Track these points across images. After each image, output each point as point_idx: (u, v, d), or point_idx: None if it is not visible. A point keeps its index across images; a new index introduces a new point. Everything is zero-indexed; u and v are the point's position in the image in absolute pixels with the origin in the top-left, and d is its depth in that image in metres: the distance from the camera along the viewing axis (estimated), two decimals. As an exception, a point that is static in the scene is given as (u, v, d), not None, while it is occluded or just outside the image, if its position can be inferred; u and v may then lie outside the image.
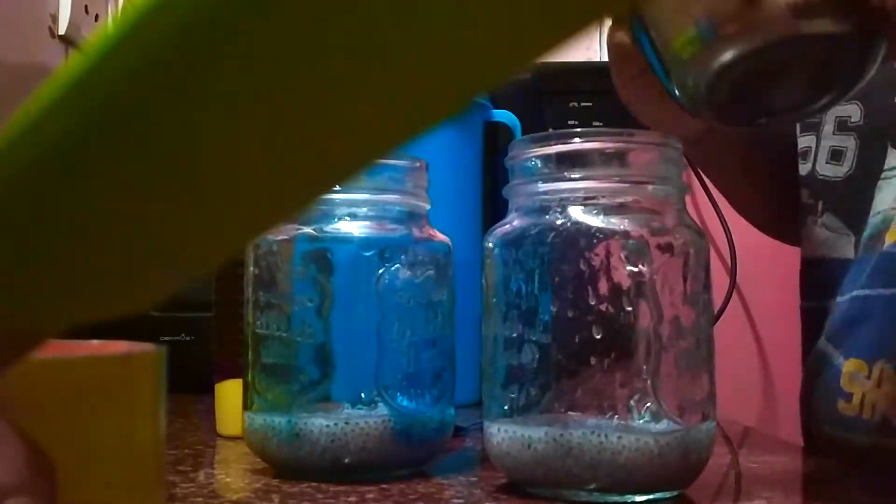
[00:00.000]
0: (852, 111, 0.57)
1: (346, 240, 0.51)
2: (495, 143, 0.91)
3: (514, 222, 0.47)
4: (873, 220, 0.56)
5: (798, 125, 0.60)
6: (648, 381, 0.43)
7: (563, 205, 0.46)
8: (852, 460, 0.53)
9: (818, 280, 0.61)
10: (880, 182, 0.55)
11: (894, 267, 0.53)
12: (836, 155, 0.57)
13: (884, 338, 0.53)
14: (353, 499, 0.44)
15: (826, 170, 0.58)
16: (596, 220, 0.45)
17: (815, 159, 0.59)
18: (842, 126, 0.57)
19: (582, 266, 0.44)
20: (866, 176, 0.56)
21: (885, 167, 0.55)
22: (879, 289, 0.53)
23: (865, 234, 0.56)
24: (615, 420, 0.43)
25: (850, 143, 0.57)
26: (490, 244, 0.48)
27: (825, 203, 0.60)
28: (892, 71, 0.51)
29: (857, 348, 0.55)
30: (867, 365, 0.53)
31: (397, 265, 0.50)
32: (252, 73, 0.14)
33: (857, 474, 0.51)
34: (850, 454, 0.53)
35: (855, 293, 0.56)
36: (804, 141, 0.61)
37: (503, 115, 0.90)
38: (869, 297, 0.54)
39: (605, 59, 0.55)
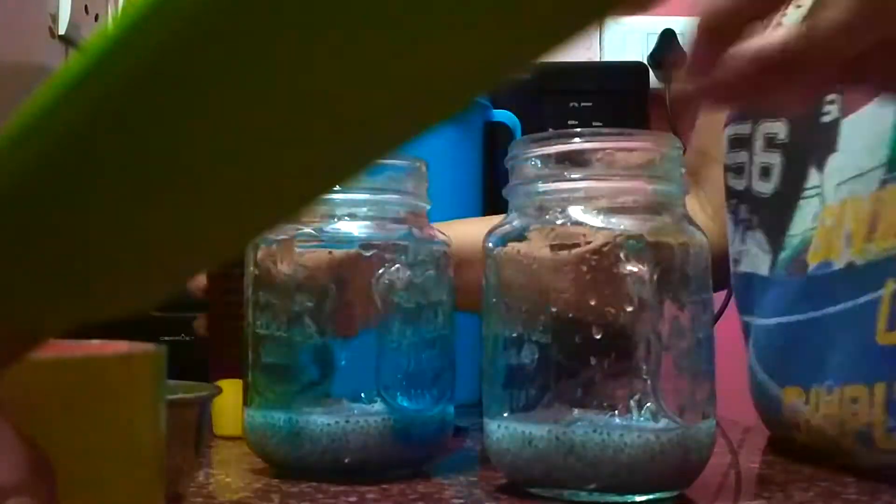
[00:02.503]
0: (779, 128, 0.57)
1: (346, 240, 0.51)
2: (495, 143, 0.91)
3: (513, 222, 0.47)
4: (792, 240, 0.55)
5: (728, 141, 0.60)
6: (648, 381, 0.43)
7: (563, 205, 0.46)
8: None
9: (747, 296, 0.61)
10: (801, 201, 0.55)
11: (820, 288, 0.52)
12: (765, 171, 0.57)
13: (814, 361, 0.52)
14: (353, 499, 0.44)
15: (759, 186, 0.58)
16: (596, 220, 0.45)
17: (749, 175, 0.59)
18: (769, 142, 0.57)
19: (582, 266, 0.44)
20: (790, 194, 0.56)
21: (806, 186, 0.55)
22: (810, 312, 0.53)
23: (783, 254, 0.56)
24: (616, 419, 0.43)
25: (776, 160, 0.57)
26: (490, 244, 0.48)
27: (760, 219, 0.59)
28: None
29: (792, 376, 0.54)
30: (804, 391, 0.53)
31: (397, 265, 0.50)
32: (252, 73, 0.14)
33: (856, 474, 0.50)
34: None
35: (782, 320, 0.55)
36: (738, 157, 0.60)
37: (503, 115, 0.90)
38: (799, 322, 0.54)
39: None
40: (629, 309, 0.43)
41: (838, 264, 0.51)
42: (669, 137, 0.48)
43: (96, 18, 0.98)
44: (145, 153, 0.15)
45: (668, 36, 1.22)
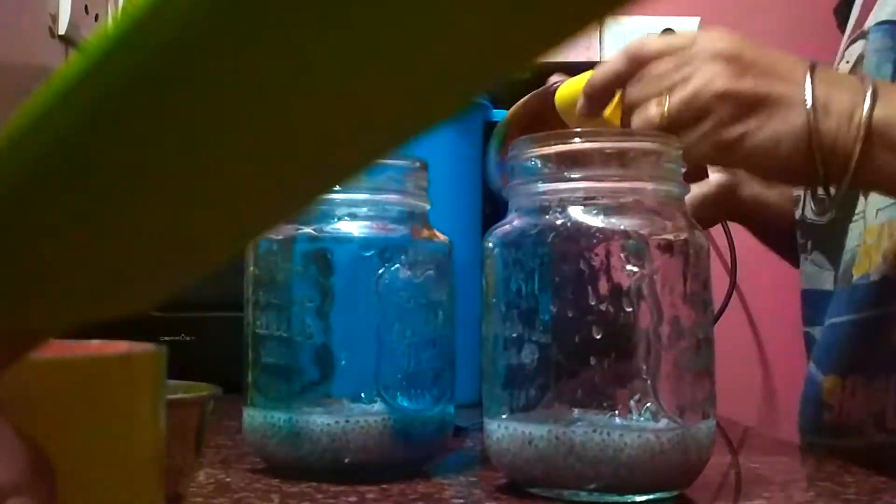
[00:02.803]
0: None
1: (346, 240, 0.51)
2: (495, 143, 0.91)
3: (514, 222, 0.47)
4: (845, 257, 0.65)
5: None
6: (648, 381, 0.43)
7: (563, 205, 0.46)
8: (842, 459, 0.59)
9: (809, 308, 0.71)
10: (851, 224, 0.65)
11: (860, 295, 0.62)
12: (820, 202, 0.64)
13: (852, 355, 0.62)
14: (353, 499, 0.44)
15: (812, 214, 0.68)
16: (596, 220, 0.45)
17: (803, 205, 0.68)
18: None
19: (582, 266, 0.44)
20: (842, 220, 0.65)
21: (856, 210, 0.64)
22: (851, 315, 0.63)
23: (840, 269, 0.66)
24: (616, 419, 0.43)
25: (832, 190, 0.63)
26: (490, 244, 0.48)
27: (813, 243, 0.70)
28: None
29: (833, 367, 0.64)
30: (841, 380, 0.63)
31: (397, 265, 0.50)
32: (252, 73, 0.14)
33: (856, 474, 0.51)
34: (839, 455, 0.60)
35: (830, 321, 0.65)
36: (796, 189, 0.72)
37: (503, 115, 0.90)
38: (842, 323, 0.64)
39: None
40: (629, 309, 0.43)
41: (875, 276, 0.60)
42: (669, 137, 0.48)
43: (96, 18, 0.98)
44: (145, 153, 0.15)
45: (667, 36, 1.22)
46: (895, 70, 0.61)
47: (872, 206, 0.63)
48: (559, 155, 0.47)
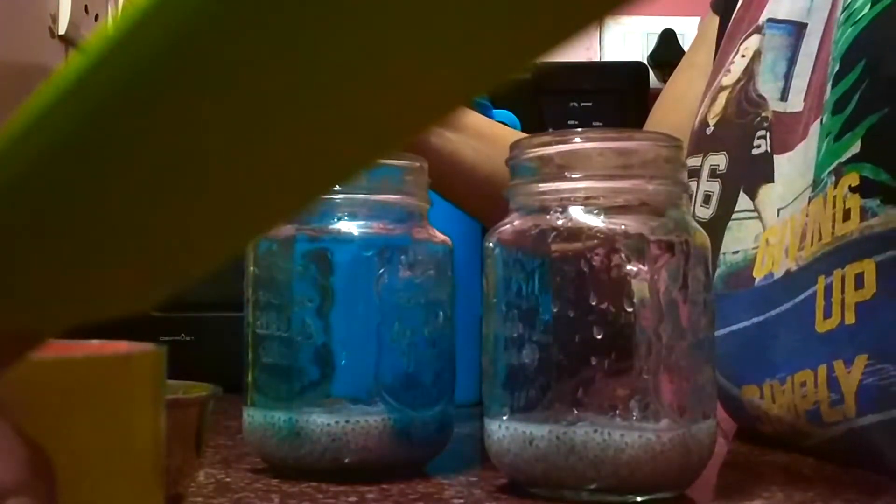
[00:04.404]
0: (720, 160, 0.65)
1: (346, 240, 0.51)
2: (495, 143, 0.91)
3: (514, 222, 0.47)
4: (729, 257, 0.63)
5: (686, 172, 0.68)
6: (649, 381, 0.43)
7: (563, 205, 0.46)
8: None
9: None
10: (731, 223, 0.63)
11: (764, 297, 0.59)
12: (706, 199, 0.65)
13: (764, 359, 0.58)
14: (353, 499, 0.44)
15: (700, 212, 0.66)
16: (596, 220, 0.45)
17: (693, 202, 0.66)
18: (712, 173, 0.65)
19: (582, 266, 0.44)
20: (722, 217, 0.64)
21: (736, 209, 0.63)
22: (755, 318, 0.59)
23: (719, 270, 0.63)
24: (616, 419, 0.43)
25: (716, 188, 0.65)
26: (490, 244, 0.48)
27: None
28: (752, 127, 0.62)
29: (746, 376, 0.60)
30: (758, 387, 0.59)
31: (397, 265, 0.50)
32: (252, 73, 0.14)
33: (856, 474, 0.51)
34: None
35: (732, 328, 0.61)
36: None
37: (503, 115, 0.90)
38: (747, 328, 0.60)
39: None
40: (629, 309, 0.43)
41: (778, 274, 0.58)
42: (669, 137, 0.48)
43: (96, 18, 0.98)
44: (145, 153, 0.15)
45: (668, 36, 1.22)
46: (789, 68, 0.62)
47: (770, 205, 0.61)
48: (559, 155, 0.47)
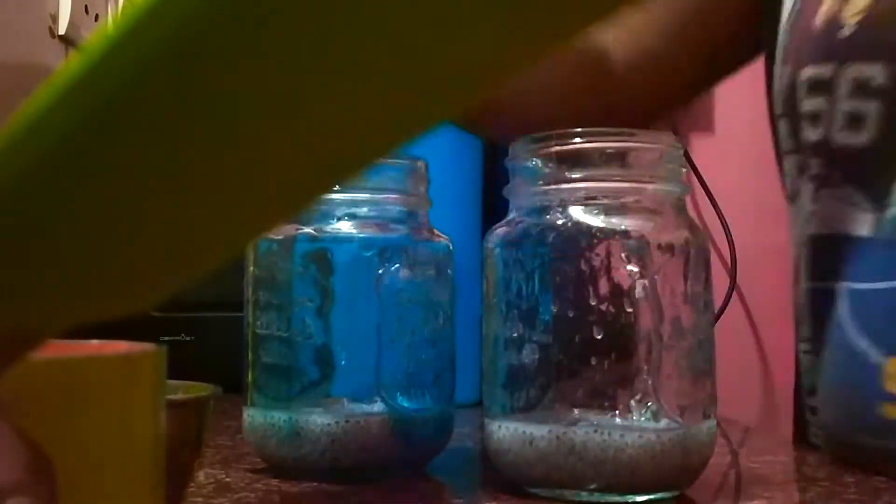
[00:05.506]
0: (876, 72, 0.50)
1: (346, 240, 0.51)
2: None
3: (514, 222, 0.47)
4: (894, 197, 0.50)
5: (806, 85, 0.54)
6: (649, 381, 0.43)
7: (563, 205, 0.46)
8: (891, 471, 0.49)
9: (828, 259, 0.54)
10: None
11: None
12: (854, 120, 0.51)
13: None
14: (353, 499, 0.44)
15: (842, 137, 0.52)
16: (596, 220, 0.45)
17: (829, 124, 0.52)
18: (862, 88, 0.51)
19: (582, 266, 0.44)
20: (892, 146, 0.50)
21: None
22: None
23: (892, 210, 0.50)
24: (616, 419, 0.43)
25: (872, 108, 0.51)
26: (490, 244, 0.48)
27: (844, 174, 0.53)
28: None
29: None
30: None
31: (397, 265, 0.50)
32: (252, 73, 0.14)
33: (856, 474, 0.50)
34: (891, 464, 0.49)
35: (890, 283, 0.49)
36: (812, 103, 0.54)
37: (503, 115, 0.90)
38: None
39: None
40: (629, 309, 0.43)
41: None
42: (669, 137, 0.48)
43: (96, 18, 0.98)
44: (145, 153, 0.15)
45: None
46: None
47: None
48: (559, 155, 0.47)
